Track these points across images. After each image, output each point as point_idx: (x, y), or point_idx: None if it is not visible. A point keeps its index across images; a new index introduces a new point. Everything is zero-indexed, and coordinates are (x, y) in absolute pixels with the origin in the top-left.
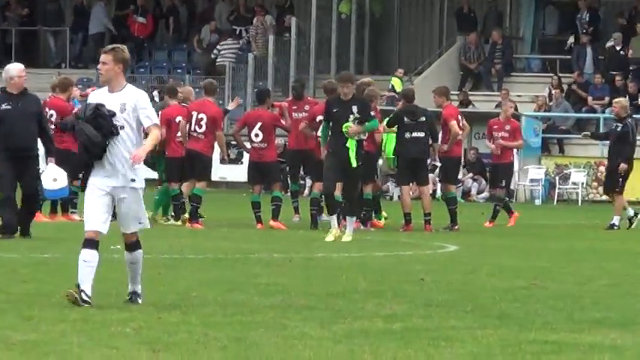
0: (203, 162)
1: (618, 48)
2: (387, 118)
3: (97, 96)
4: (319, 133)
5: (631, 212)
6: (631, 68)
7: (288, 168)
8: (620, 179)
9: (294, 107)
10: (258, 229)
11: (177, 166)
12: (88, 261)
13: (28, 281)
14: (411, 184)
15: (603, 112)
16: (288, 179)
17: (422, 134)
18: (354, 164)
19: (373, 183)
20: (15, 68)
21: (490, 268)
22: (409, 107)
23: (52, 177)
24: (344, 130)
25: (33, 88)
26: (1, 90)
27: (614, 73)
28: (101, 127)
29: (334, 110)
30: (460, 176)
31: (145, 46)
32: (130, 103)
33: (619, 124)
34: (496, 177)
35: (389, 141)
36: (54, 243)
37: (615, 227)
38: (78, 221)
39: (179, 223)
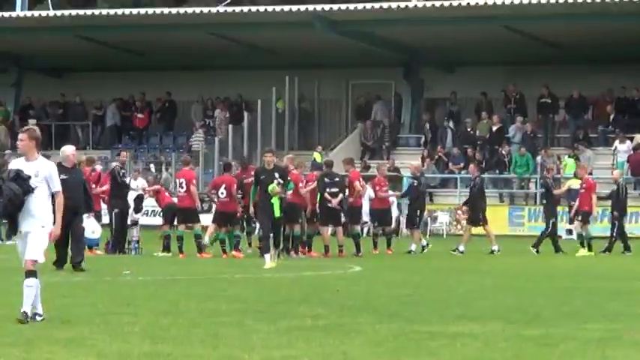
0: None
1: (469, 129)
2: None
3: (17, 164)
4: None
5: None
6: (478, 142)
7: (245, 216)
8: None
9: (244, 175)
10: (224, 257)
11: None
12: (31, 286)
13: (67, 296)
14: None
15: (460, 173)
16: (244, 223)
17: (337, 189)
18: (278, 214)
19: (298, 224)
20: (70, 149)
21: (383, 281)
22: (329, 171)
23: (92, 229)
24: (269, 190)
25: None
26: (58, 164)
27: (466, 146)
28: (20, 186)
29: (261, 177)
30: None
31: (144, 133)
32: (42, 171)
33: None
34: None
35: None
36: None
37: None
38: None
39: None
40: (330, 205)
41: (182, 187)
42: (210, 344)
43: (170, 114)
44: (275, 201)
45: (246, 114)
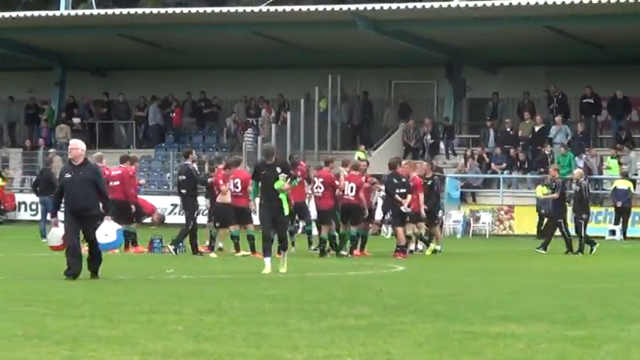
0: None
1: (509, 129)
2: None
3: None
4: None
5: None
6: (521, 143)
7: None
8: None
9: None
10: (237, 255)
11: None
12: None
13: (110, 294)
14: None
15: (502, 173)
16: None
17: (404, 190)
18: (287, 212)
19: (360, 224)
20: (76, 144)
21: (426, 281)
22: (395, 172)
23: (104, 232)
24: (277, 187)
25: (110, 162)
26: (68, 161)
27: (508, 146)
28: None
29: (262, 172)
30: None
31: (185, 133)
32: None
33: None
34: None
35: None
36: (124, 269)
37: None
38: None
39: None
40: (403, 208)
41: (237, 187)
42: (254, 343)
43: (212, 113)
44: (283, 198)
45: (289, 114)
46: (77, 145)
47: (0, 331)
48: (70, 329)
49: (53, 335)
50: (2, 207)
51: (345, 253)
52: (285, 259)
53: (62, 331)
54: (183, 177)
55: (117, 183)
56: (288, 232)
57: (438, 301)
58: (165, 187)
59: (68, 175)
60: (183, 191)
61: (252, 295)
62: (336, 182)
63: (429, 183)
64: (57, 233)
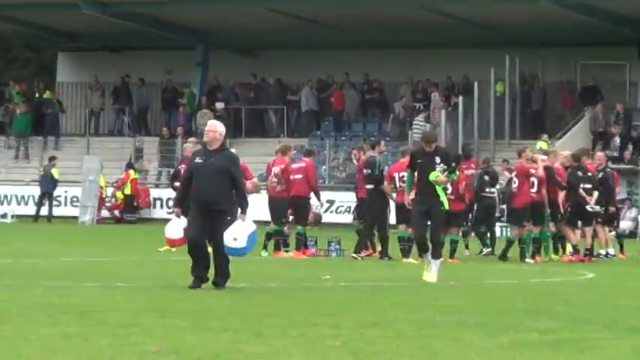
0: None
1: None
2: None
3: None
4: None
5: None
6: None
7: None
8: None
9: (464, 166)
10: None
11: None
12: None
13: (257, 305)
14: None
15: None
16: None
17: (590, 185)
18: (446, 207)
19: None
20: (208, 123)
21: (621, 290)
22: (580, 164)
23: (233, 236)
24: (432, 179)
25: (258, 152)
26: (203, 145)
27: None
28: None
29: (419, 161)
30: None
31: (344, 119)
32: None
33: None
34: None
35: None
36: (277, 275)
37: None
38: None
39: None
40: (589, 207)
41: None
42: None
43: (374, 98)
44: (441, 191)
45: (461, 98)
46: (215, 127)
47: (130, 347)
48: (211, 345)
49: (192, 352)
50: (135, 204)
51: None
52: (437, 267)
53: (202, 346)
54: (369, 170)
55: (299, 176)
56: (461, 234)
57: (633, 313)
58: (321, 181)
59: (199, 161)
60: (370, 186)
61: (420, 305)
62: (532, 170)
63: (600, 176)
64: (177, 224)
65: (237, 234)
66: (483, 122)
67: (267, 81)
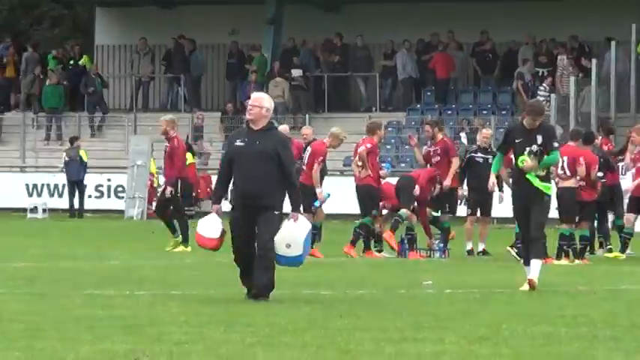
0: None
1: None
2: None
3: None
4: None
5: None
6: None
7: None
8: None
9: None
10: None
11: None
12: None
13: (344, 316)
14: None
15: None
16: None
17: None
18: (547, 193)
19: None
20: (253, 95)
21: None
22: None
23: (286, 242)
24: (519, 163)
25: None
26: (246, 123)
27: None
28: None
29: (516, 140)
30: None
31: (451, 89)
32: None
33: None
34: None
35: None
36: (367, 279)
37: None
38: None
39: None
40: None
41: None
42: None
43: (487, 61)
44: (532, 178)
45: (593, 62)
46: (261, 102)
47: None
48: None
49: None
50: (194, 194)
51: None
52: (537, 268)
53: None
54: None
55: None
56: (589, 230)
57: None
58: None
59: (239, 143)
60: None
61: (543, 316)
62: None
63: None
64: (212, 221)
65: (290, 239)
66: (621, 92)
67: (355, 42)
